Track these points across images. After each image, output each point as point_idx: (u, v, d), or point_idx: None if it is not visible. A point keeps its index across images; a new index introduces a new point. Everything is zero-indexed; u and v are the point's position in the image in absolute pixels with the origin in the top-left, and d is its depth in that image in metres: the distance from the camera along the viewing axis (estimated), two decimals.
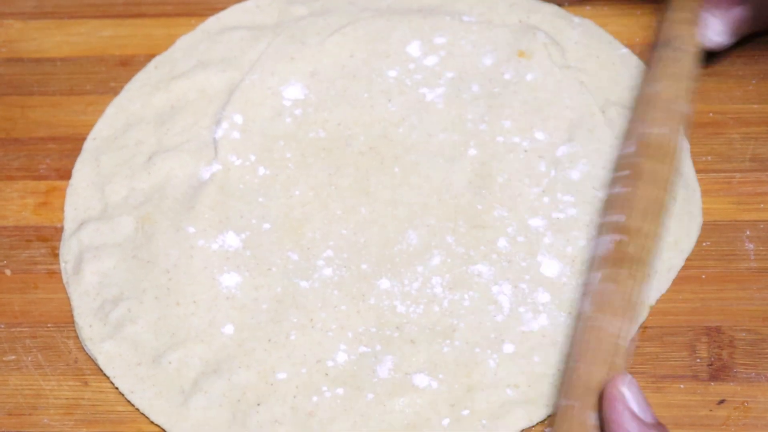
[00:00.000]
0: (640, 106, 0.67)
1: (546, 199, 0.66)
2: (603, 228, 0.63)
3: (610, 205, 0.64)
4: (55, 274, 0.67)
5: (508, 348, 0.61)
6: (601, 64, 0.73)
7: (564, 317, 0.62)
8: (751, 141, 0.69)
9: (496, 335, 0.62)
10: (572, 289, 0.63)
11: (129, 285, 0.65)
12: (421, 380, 0.61)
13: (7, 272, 0.67)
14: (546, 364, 0.60)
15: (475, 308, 0.63)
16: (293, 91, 0.73)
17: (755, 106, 0.70)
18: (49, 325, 0.65)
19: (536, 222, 0.66)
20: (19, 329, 0.65)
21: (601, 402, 0.54)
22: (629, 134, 0.66)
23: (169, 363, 0.62)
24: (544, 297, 0.63)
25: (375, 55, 0.74)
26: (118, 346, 0.63)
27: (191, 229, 0.67)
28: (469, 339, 0.62)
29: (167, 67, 0.76)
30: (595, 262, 0.61)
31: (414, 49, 0.74)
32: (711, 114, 0.70)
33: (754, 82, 0.71)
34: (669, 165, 0.63)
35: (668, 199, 0.63)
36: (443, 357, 0.61)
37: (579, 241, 0.65)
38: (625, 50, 0.74)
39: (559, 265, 0.64)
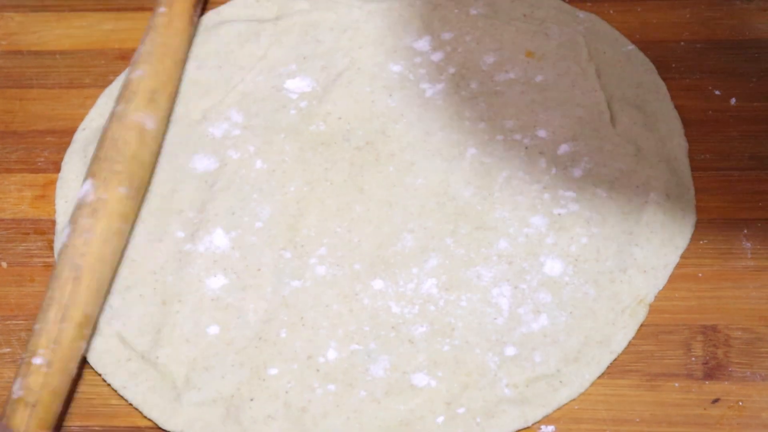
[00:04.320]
0: None
1: (547, 195, 0.66)
2: None
3: None
4: (50, 267, 0.67)
5: (510, 350, 0.61)
6: (606, 60, 0.72)
7: (565, 317, 0.62)
8: (751, 139, 0.68)
9: (498, 337, 0.61)
10: (574, 289, 0.63)
11: (115, 282, 0.65)
12: (420, 379, 0.60)
13: (3, 265, 0.68)
14: (546, 365, 0.60)
15: (473, 309, 0.62)
16: (301, 84, 0.73)
17: (755, 104, 0.70)
18: None
19: (537, 220, 0.65)
20: (14, 322, 0.65)
21: None
22: None
23: (157, 358, 0.62)
24: (545, 297, 0.62)
25: (382, 49, 0.74)
26: (106, 342, 0.63)
27: (180, 234, 0.67)
28: (468, 339, 0.61)
29: None
30: None
31: (421, 43, 0.74)
32: (710, 112, 0.69)
33: (754, 80, 0.71)
34: None
35: None
36: (443, 355, 0.61)
37: (582, 239, 0.64)
38: (632, 47, 0.73)
39: (561, 264, 0.64)
